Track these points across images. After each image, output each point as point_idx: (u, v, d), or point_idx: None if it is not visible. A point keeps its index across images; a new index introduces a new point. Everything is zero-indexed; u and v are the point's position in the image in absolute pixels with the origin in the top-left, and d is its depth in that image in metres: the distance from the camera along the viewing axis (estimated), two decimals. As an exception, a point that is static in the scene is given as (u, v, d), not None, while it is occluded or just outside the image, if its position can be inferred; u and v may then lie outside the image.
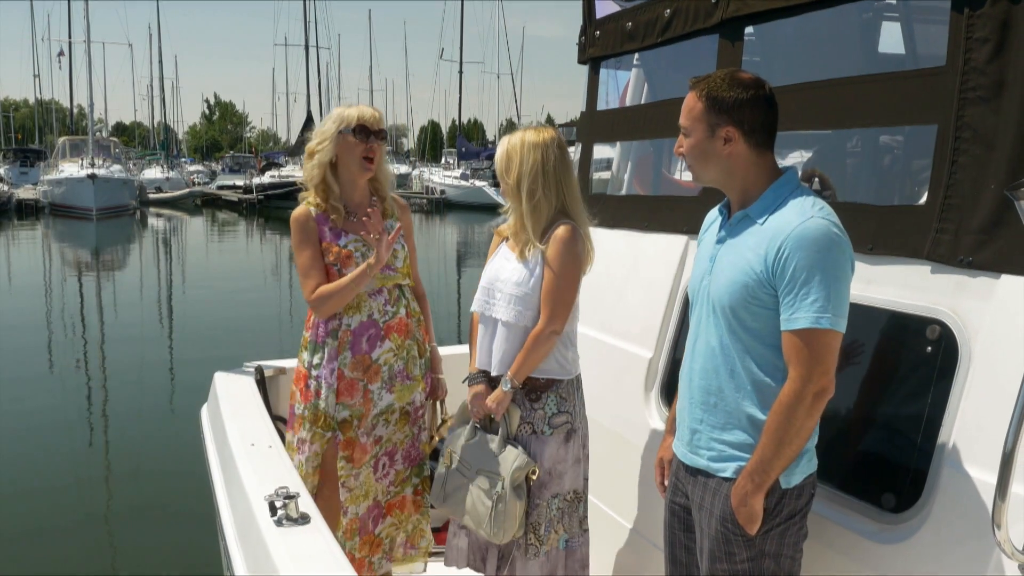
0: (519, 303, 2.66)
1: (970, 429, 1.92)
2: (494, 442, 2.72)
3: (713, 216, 2.23)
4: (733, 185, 2.07)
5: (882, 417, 2.28)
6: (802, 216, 1.92)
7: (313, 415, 2.90)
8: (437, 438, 3.20)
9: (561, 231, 2.62)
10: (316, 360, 2.91)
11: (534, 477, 2.68)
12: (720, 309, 2.04)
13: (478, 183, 44.97)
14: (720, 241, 2.12)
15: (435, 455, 3.17)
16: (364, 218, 2.78)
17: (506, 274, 2.72)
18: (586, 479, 2.84)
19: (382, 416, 2.96)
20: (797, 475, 2.01)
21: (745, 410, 2.02)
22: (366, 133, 2.87)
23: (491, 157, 46.27)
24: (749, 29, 2.81)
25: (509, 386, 2.66)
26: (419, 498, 3.14)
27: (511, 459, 2.64)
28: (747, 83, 1.99)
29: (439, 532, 3.77)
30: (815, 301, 1.87)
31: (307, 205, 2.92)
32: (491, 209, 41.46)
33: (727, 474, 2.06)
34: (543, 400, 2.70)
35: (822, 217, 1.91)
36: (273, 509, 1.99)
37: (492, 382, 2.76)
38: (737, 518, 2.02)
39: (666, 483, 2.39)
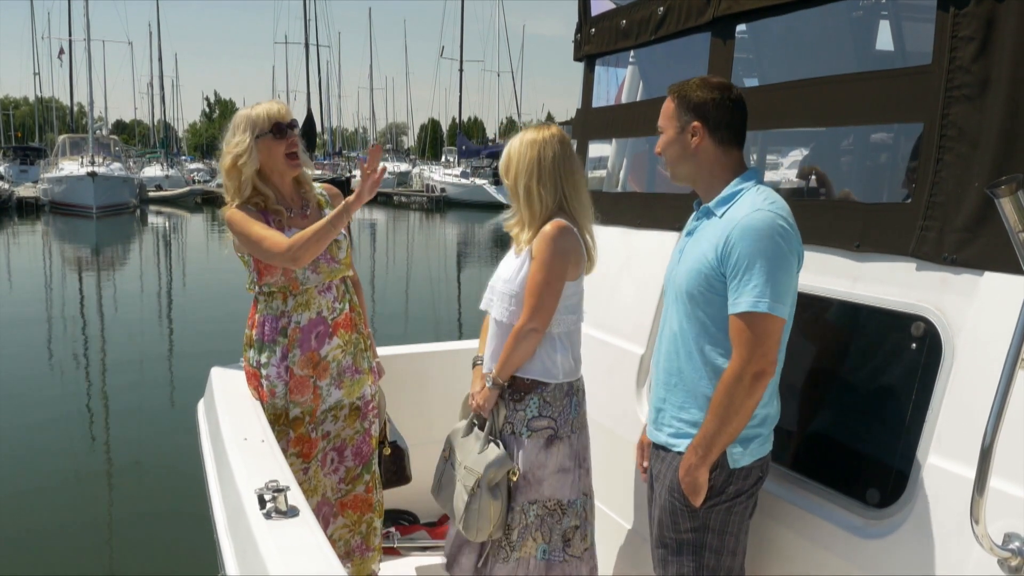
0: (508, 300, 2.64)
1: (953, 424, 1.94)
2: (480, 439, 2.70)
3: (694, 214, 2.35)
4: (701, 180, 2.22)
5: (867, 412, 2.30)
6: (751, 208, 2.06)
7: (273, 415, 2.86)
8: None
9: (548, 227, 2.56)
10: (264, 359, 2.87)
11: (514, 478, 2.64)
12: (681, 296, 2.20)
13: (478, 181, 44.99)
14: (689, 234, 2.28)
15: (380, 444, 3.18)
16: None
17: (499, 271, 2.74)
18: (586, 494, 2.76)
19: (331, 412, 2.93)
20: (747, 457, 2.15)
21: (701, 390, 2.17)
22: (283, 129, 2.79)
23: (492, 155, 46.34)
24: (741, 27, 2.82)
25: (491, 383, 2.65)
26: (370, 495, 3.08)
27: (489, 457, 2.62)
28: (714, 86, 2.19)
29: (434, 527, 3.81)
30: (755, 286, 2.01)
31: (238, 205, 2.80)
32: (492, 207, 41.46)
33: (681, 448, 2.21)
34: (525, 401, 2.65)
35: (769, 210, 2.05)
36: (262, 502, 2.00)
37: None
38: (683, 488, 2.16)
39: (646, 464, 2.51)
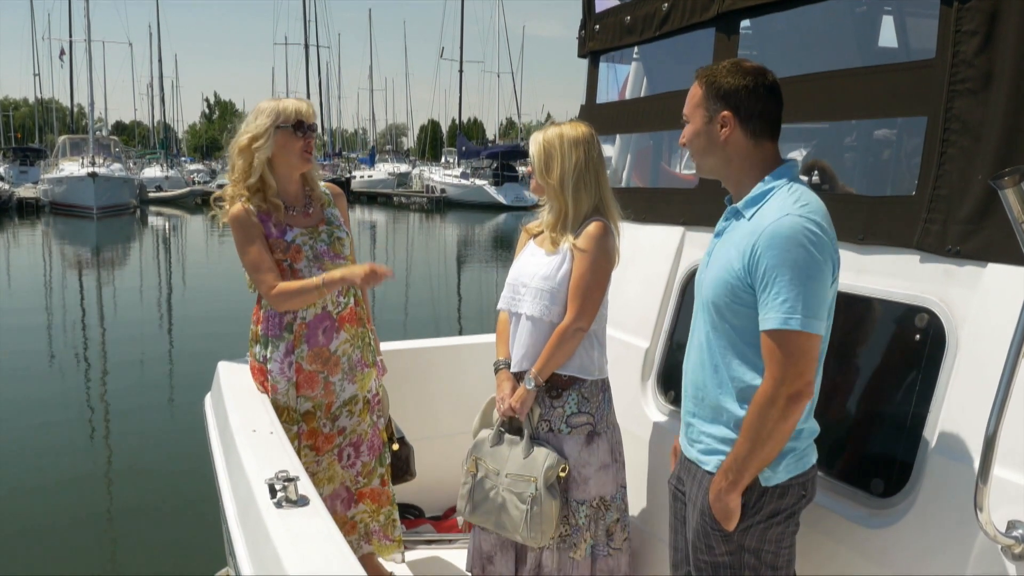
0: (546, 297, 2.60)
1: (957, 415, 1.96)
2: (520, 444, 2.66)
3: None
4: (730, 175, 2.06)
5: (871, 404, 2.31)
6: (779, 213, 1.89)
7: (276, 409, 2.85)
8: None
9: (593, 227, 2.59)
10: (268, 354, 2.87)
11: (563, 475, 2.62)
12: (707, 305, 2.05)
13: (478, 182, 45.00)
14: (718, 235, 2.12)
15: (389, 439, 3.20)
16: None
17: (532, 269, 2.68)
18: (623, 486, 2.76)
19: (345, 407, 2.95)
20: (781, 474, 1.99)
21: (726, 406, 2.02)
22: (304, 127, 2.82)
23: (491, 156, 46.37)
24: (746, 22, 2.84)
25: (533, 384, 2.61)
26: (386, 488, 3.11)
27: (541, 459, 2.60)
28: (747, 71, 1.99)
29: (439, 520, 3.82)
30: (784, 301, 1.84)
31: (243, 204, 2.80)
32: (491, 208, 41.55)
33: (709, 467, 2.08)
34: (563, 398, 2.64)
35: (799, 215, 1.87)
36: (273, 491, 2.02)
37: (516, 378, 2.72)
38: (714, 513, 2.03)
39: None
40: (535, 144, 2.66)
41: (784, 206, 1.90)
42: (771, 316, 1.85)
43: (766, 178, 1.98)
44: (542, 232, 2.75)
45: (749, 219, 1.96)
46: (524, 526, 2.61)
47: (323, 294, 2.80)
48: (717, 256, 2.05)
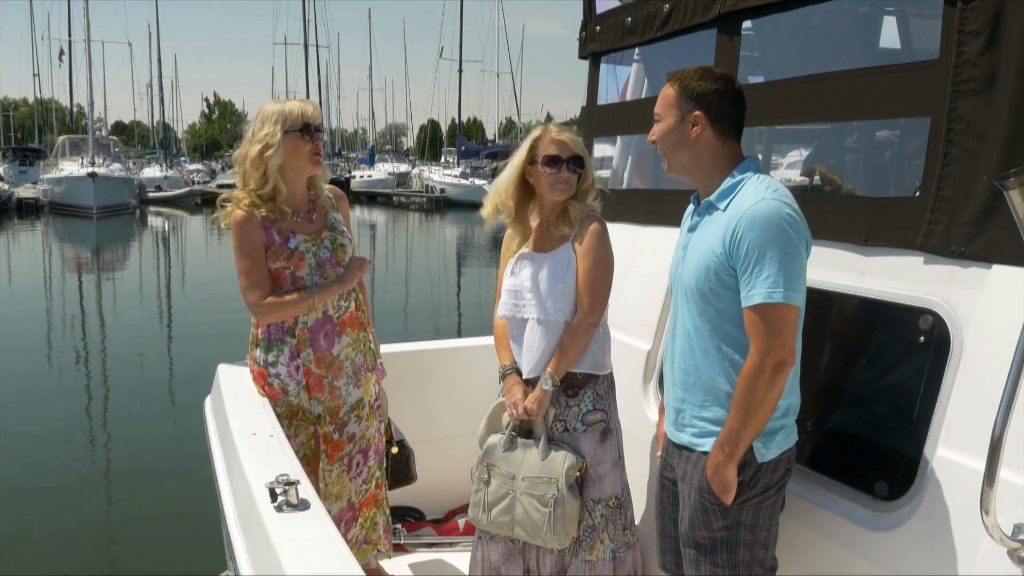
0: (558, 299, 2.62)
1: (962, 417, 1.95)
2: (535, 447, 2.65)
3: (690, 209, 2.33)
4: (700, 171, 2.19)
5: (876, 406, 2.31)
6: (755, 198, 2.03)
7: (290, 410, 2.86)
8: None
9: (595, 225, 2.65)
10: (272, 358, 2.84)
11: (579, 474, 2.62)
12: (691, 293, 2.16)
13: (478, 181, 44.99)
14: (691, 230, 2.24)
15: (389, 442, 3.20)
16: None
17: (537, 272, 2.69)
18: (626, 484, 2.77)
19: (353, 412, 2.93)
20: (773, 449, 2.11)
21: (720, 387, 2.14)
22: (311, 130, 2.79)
23: (491, 156, 46.40)
24: (747, 23, 2.83)
25: (550, 385, 2.61)
26: (378, 491, 3.08)
27: (561, 460, 2.59)
28: (717, 76, 2.16)
29: (440, 523, 3.81)
30: (768, 277, 1.98)
31: (248, 208, 2.77)
32: (491, 208, 41.43)
33: (706, 448, 2.17)
34: (579, 396, 2.65)
35: (773, 198, 2.02)
36: (273, 495, 2.01)
37: (528, 383, 2.71)
38: (712, 487, 2.13)
39: (659, 454, 2.50)
40: (578, 146, 2.69)
41: (758, 192, 2.04)
42: (756, 292, 1.99)
43: (734, 172, 2.13)
44: (530, 235, 2.76)
45: (724, 209, 2.10)
46: (547, 528, 2.59)
47: (313, 308, 2.79)
48: (695, 247, 2.18)
